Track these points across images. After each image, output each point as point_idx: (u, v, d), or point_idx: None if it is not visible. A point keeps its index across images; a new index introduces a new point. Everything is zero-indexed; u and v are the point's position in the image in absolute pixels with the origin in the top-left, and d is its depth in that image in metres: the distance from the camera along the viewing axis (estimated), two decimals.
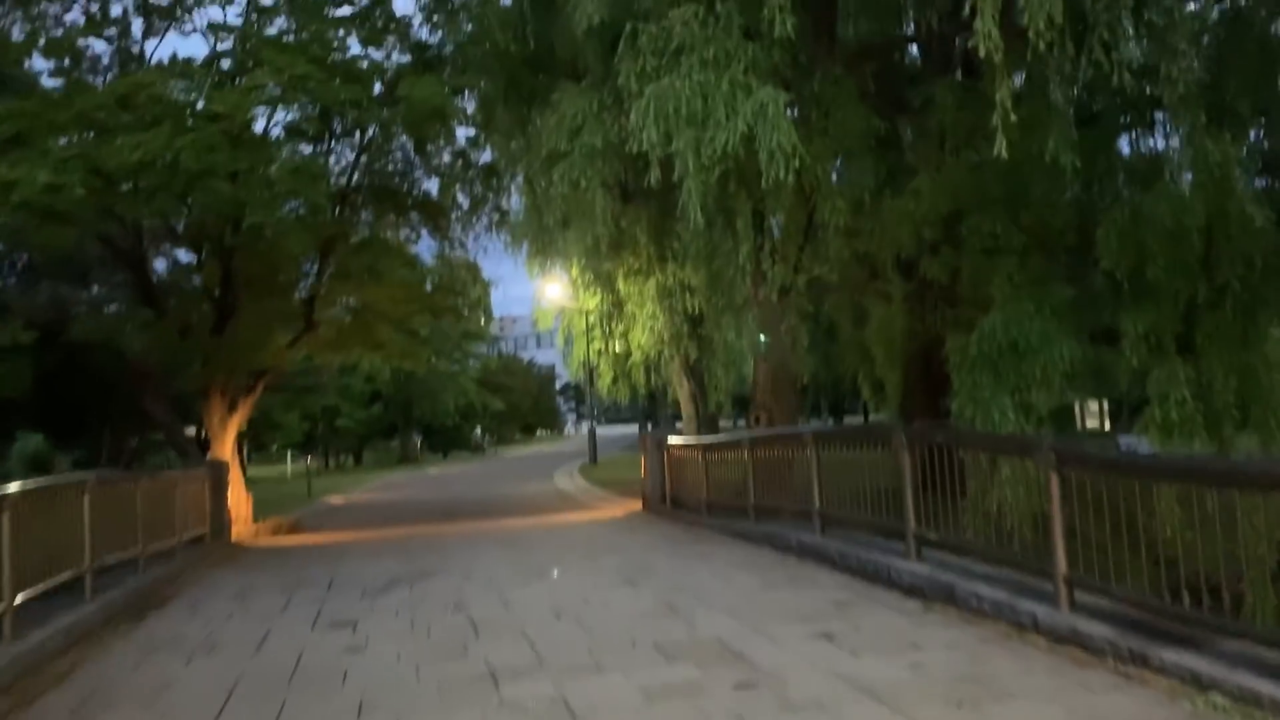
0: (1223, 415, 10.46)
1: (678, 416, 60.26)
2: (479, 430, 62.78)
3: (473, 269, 59.23)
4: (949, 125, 13.38)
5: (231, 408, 15.18)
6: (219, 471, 13.97)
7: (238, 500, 15.31)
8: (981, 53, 8.65)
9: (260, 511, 20.74)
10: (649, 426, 72.74)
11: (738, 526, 11.18)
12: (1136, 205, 10.98)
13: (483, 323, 70.10)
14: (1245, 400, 10.54)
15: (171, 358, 14.67)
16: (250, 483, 36.00)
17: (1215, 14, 11.26)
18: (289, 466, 37.12)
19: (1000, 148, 8.78)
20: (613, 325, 25.28)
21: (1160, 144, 12.47)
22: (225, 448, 15.22)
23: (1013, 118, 8.72)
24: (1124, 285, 11.19)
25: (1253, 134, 11.50)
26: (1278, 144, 12.63)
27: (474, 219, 18.21)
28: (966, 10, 9.29)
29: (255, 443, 39.81)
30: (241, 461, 24.03)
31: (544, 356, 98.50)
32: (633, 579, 8.59)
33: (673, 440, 14.82)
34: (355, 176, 16.11)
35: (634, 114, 10.72)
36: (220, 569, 11.36)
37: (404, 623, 7.29)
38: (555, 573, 9.38)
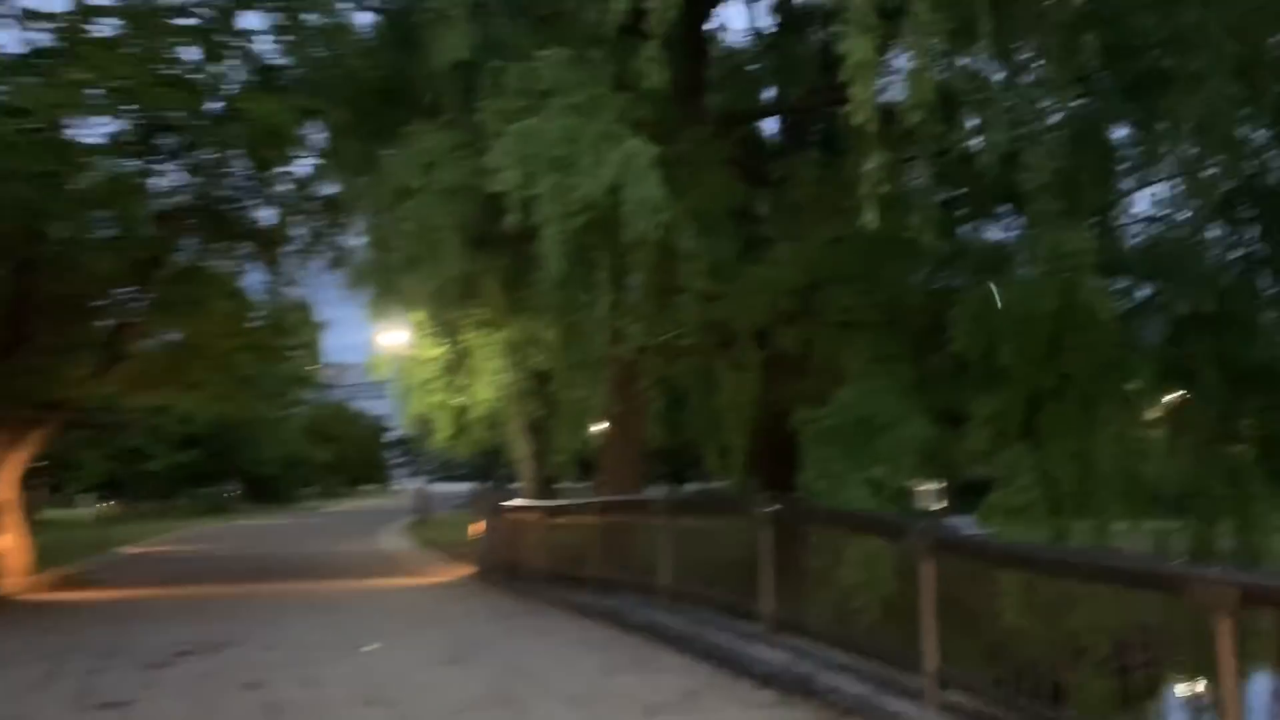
0: (1064, 501, 10.54)
1: (514, 477, 58.87)
2: (300, 485, 59.59)
3: (305, 309, 56.87)
4: (807, 200, 13.39)
5: (12, 442, 13.40)
6: None
7: (14, 548, 13.48)
8: (856, 120, 8.49)
9: (48, 559, 18.57)
10: (487, 485, 71.12)
11: (579, 599, 10.49)
12: (988, 290, 11.10)
13: (311, 367, 67.53)
14: (1085, 487, 10.67)
15: None
16: (43, 526, 32.62)
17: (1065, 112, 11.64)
18: (89, 510, 33.91)
19: (871, 218, 8.60)
20: (455, 377, 24.31)
21: (1013, 232, 12.77)
22: (2, 487, 13.40)
23: (884, 188, 8.57)
24: (973, 368, 11.26)
25: (1096, 229, 11.90)
26: (1112, 242, 13.14)
27: (311, 255, 17.02)
28: (838, 79, 9.17)
29: (52, 484, 36.28)
30: (28, 503, 21.59)
31: (376, 407, 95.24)
32: (460, 656, 7.75)
33: (511, 504, 14.02)
34: (183, 198, 14.75)
35: (496, 152, 10.15)
36: None
37: (187, 704, 6.24)
38: (372, 646, 8.41)
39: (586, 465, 33.86)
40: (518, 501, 14.03)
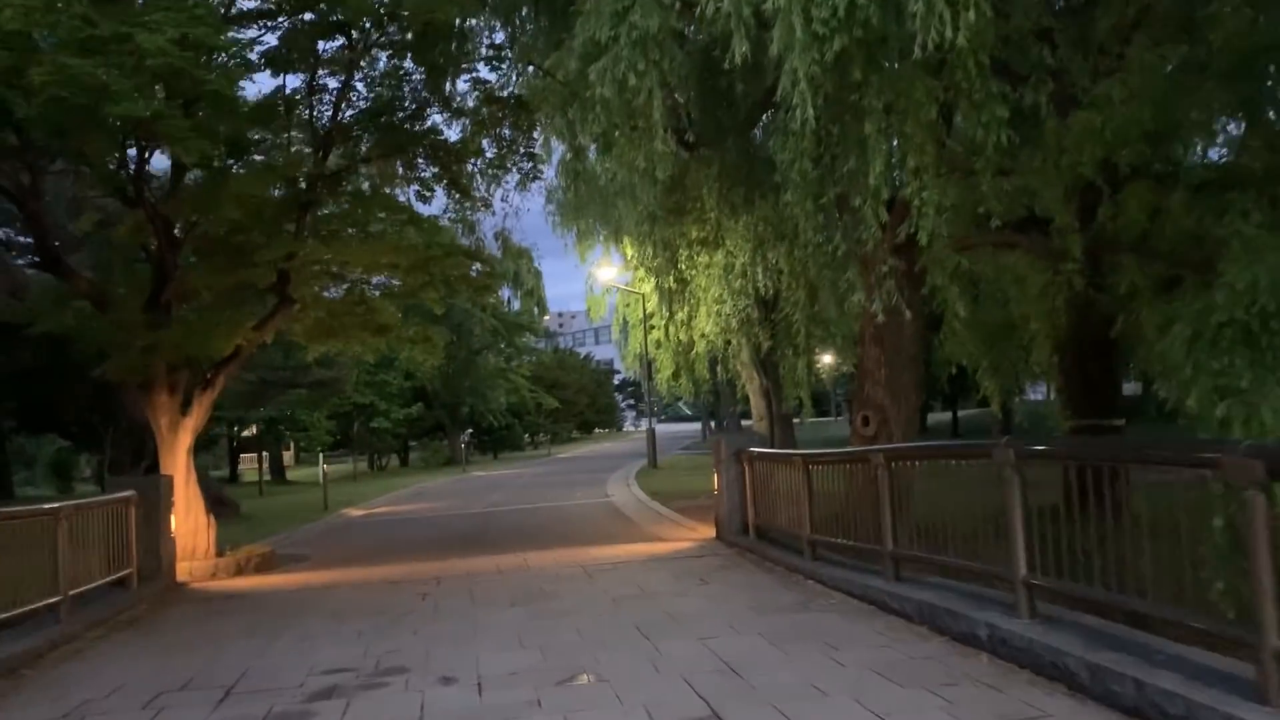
0: None
1: (745, 414, 56.54)
2: (528, 432, 59.44)
3: (525, 254, 56.06)
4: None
5: (184, 407, 11.72)
6: (153, 492, 10.51)
7: (192, 528, 11.86)
8: None
9: (259, 528, 17.43)
10: (712, 425, 69.18)
11: (867, 584, 7.41)
12: None
13: (536, 314, 67.25)
14: None
15: (92, 340, 11.22)
16: (275, 488, 32.93)
17: None
18: (321, 469, 33.95)
19: None
20: (674, 307, 21.58)
21: None
22: (177, 458, 11.74)
23: None
24: None
25: None
26: None
27: (502, 170, 14.53)
28: None
29: (290, 445, 36.85)
30: (205, 474, 20.36)
31: (602, 352, 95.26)
32: (718, 697, 4.86)
33: (757, 450, 11.03)
34: (344, 110, 12.53)
35: None
36: (107, 644, 7.88)
37: None
38: (585, 678, 5.67)
39: (819, 401, 30.42)
40: (767, 450, 11.03)
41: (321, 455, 35.35)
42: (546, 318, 73.91)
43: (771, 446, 16.15)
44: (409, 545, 14.49)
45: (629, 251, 23.00)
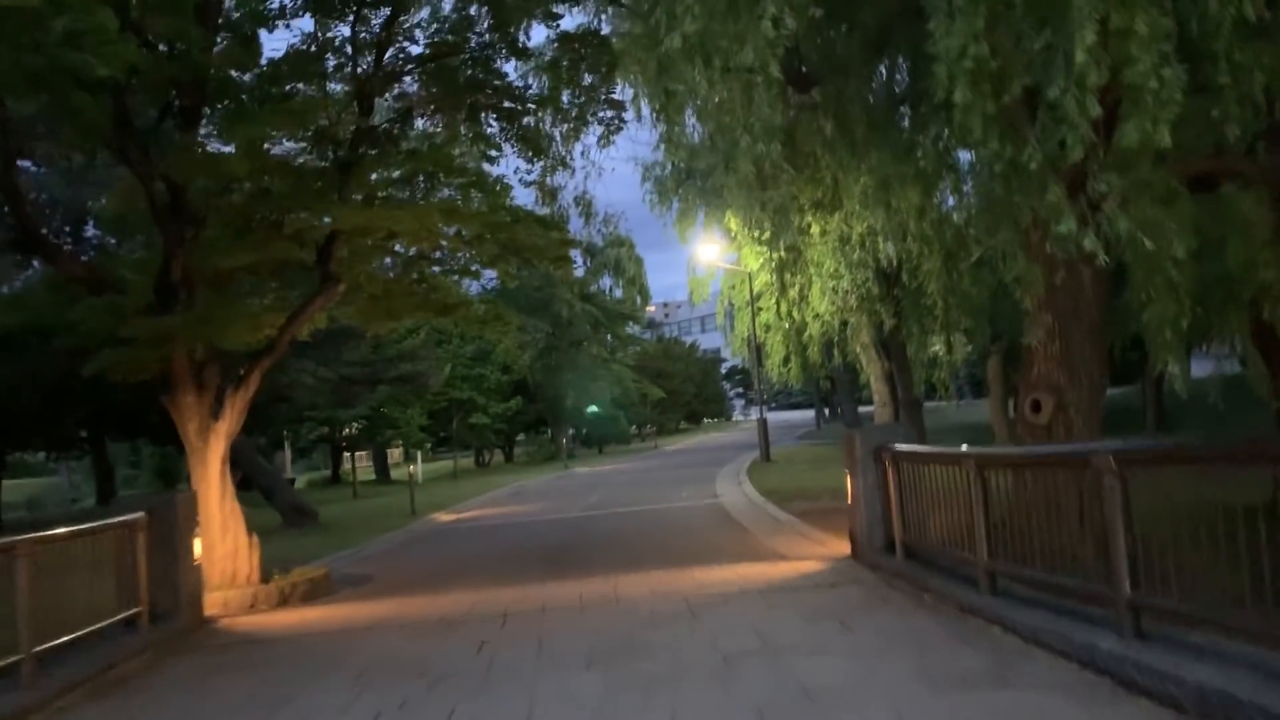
0: None
1: (863, 400, 53.28)
2: (633, 424, 57.51)
3: (625, 242, 53.98)
4: None
5: (216, 409, 10.01)
6: (169, 513, 8.75)
7: (230, 551, 10.13)
8: None
9: (333, 539, 15.84)
10: (826, 412, 66.02)
11: (1091, 644, 5.06)
12: None
13: (639, 302, 65.29)
14: None
15: (88, 332, 9.48)
16: (377, 488, 31.70)
17: None
18: (409, 470, 32.70)
19: None
20: (786, 280, 19.22)
21: None
22: (209, 470, 10.00)
23: None
24: None
25: None
26: None
27: (582, 124, 12.45)
28: None
29: (382, 444, 35.67)
30: (278, 477, 18.72)
31: (708, 341, 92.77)
32: None
33: (903, 448, 8.66)
34: (390, 56, 10.57)
35: None
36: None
37: None
38: None
39: (929, 388, 27.52)
40: (917, 448, 8.67)
41: (419, 454, 34.25)
42: (650, 308, 71.95)
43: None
44: (488, 561, 12.59)
45: (733, 225, 20.77)
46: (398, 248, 11.22)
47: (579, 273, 52.44)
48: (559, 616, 7.87)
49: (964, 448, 7.70)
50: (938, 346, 20.75)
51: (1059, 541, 5.97)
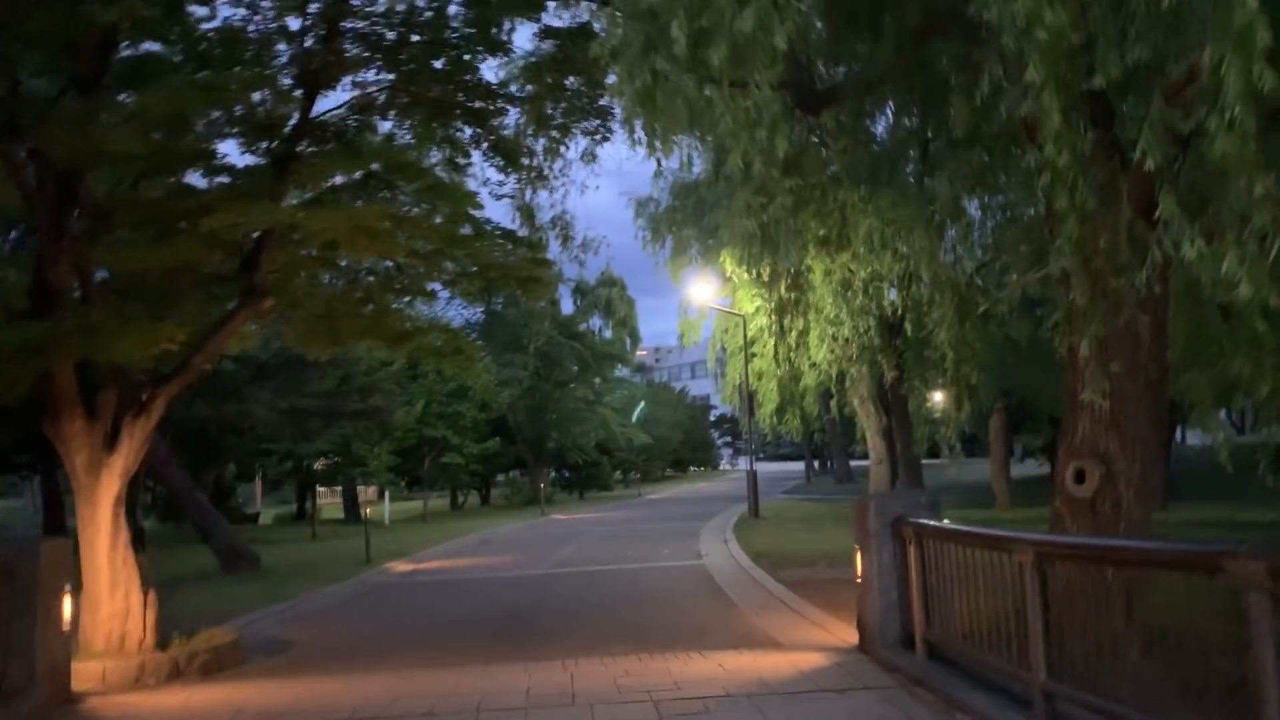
0: None
1: (853, 455, 51.51)
2: (617, 469, 55.70)
3: (617, 282, 52.88)
4: None
5: (111, 439, 8.41)
6: (29, 564, 7.07)
7: (119, 610, 8.46)
8: None
9: (270, 590, 14.10)
10: (815, 465, 64.33)
11: None
12: None
13: (628, 344, 63.85)
14: None
15: None
16: (343, 528, 29.84)
17: None
18: (387, 508, 30.93)
19: None
20: (785, 322, 17.80)
21: None
22: (97, 512, 8.35)
23: None
24: None
25: None
26: None
27: (564, 134, 11.01)
28: None
29: (350, 481, 33.88)
30: (216, 514, 16.70)
31: (698, 387, 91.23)
32: None
33: (929, 524, 7.10)
34: (342, 41, 9.12)
35: None
36: None
37: None
38: None
39: (927, 444, 25.93)
40: (951, 526, 7.11)
41: (387, 494, 32.38)
42: (641, 352, 70.43)
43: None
44: (433, 629, 10.89)
45: (728, 266, 19.41)
46: (343, 262, 9.67)
47: (566, 308, 50.92)
48: None
49: (1009, 531, 6.14)
50: (941, 401, 19.30)
51: (1160, 663, 4.43)
